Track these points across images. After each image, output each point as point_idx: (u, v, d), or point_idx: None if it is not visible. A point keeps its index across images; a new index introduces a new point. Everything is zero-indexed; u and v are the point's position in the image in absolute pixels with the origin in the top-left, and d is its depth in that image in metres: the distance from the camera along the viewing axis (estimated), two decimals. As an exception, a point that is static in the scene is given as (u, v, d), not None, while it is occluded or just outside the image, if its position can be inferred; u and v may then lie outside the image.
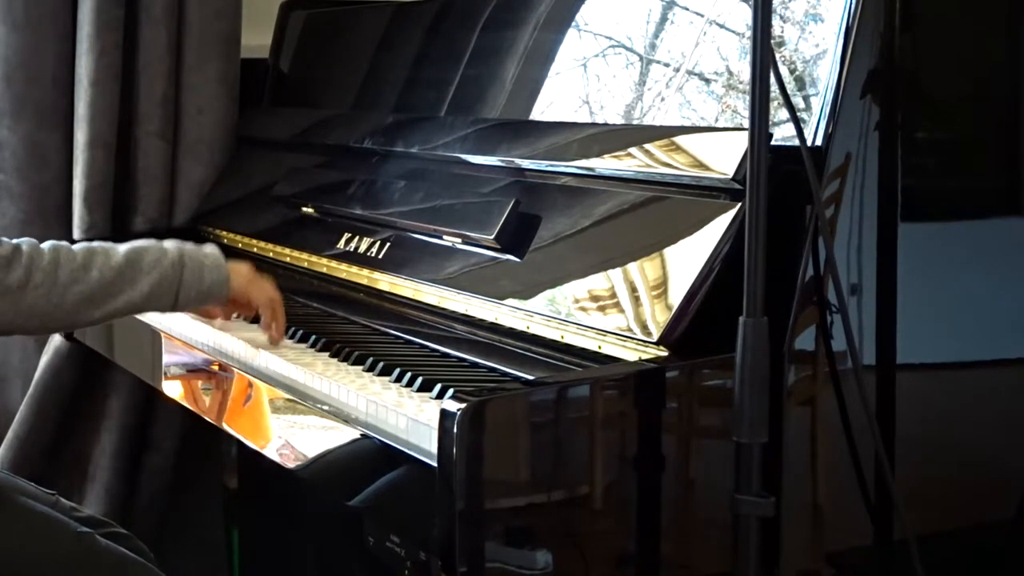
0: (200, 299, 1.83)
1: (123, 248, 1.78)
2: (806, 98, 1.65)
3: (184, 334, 2.10)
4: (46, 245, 1.74)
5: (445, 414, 1.41)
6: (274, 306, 1.90)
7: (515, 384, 1.55)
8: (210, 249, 1.85)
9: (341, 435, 1.67)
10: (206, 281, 1.81)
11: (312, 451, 1.75)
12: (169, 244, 1.82)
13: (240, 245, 2.51)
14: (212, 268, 1.82)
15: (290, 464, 1.79)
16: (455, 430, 1.39)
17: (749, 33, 1.45)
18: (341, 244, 2.17)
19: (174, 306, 1.81)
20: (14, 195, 2.63)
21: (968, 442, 1.78)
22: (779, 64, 1.51)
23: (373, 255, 2.09)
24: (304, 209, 2.36)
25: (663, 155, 1.71)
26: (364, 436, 1.61)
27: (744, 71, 1.73)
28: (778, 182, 1.51)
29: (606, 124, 1.92)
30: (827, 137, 1.60)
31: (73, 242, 2.55)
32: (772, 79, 1.44)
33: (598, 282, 1.66)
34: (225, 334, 2.00)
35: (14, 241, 1.73)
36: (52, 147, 2.64)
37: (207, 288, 1.81)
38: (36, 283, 1.70)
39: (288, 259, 2.34)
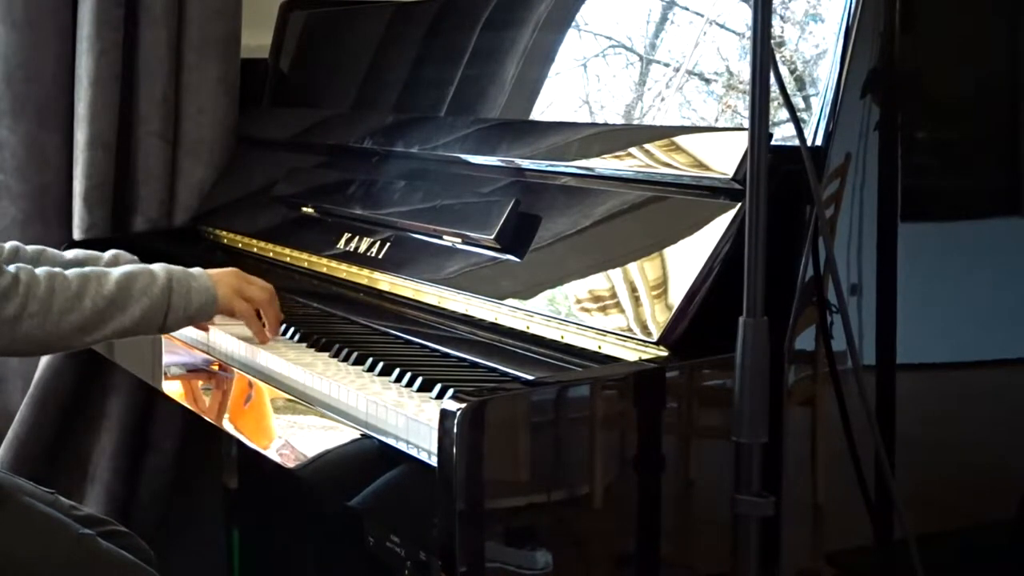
0: (187, 321, 1.87)
1: (115, 274, 1.81)
2: (806, 98, 1.65)
3: (184, 334, 2.10)
4: (41, 272, 1.76)
5: (445, 414, 1.41)
6: (262, 308, 1.92)
7: (515, 384, 1.55)
8: (198, 271, 1.89)
9: (341, 435, 1.67)
10: (194, 304, 1.85)
11: (312, 451, 1.75)
12: (158, 268, 1.85)
13: (240, 245, 2.51)
14: (199, 290, 1.86)
15: (290, 464, 1.79)
16: (455, 430, 1.39)
17: (749, 33, 1.45)
18: (341, 244, 2.17)
19: (162, 328, 1.86)
20: (14, 195, 2.63)
21: (968, 442, 1.77)
22: (779, 64, 1.51)
23: (373, 255, 2.09)
24: (304, 209, 2.36)
25: (663, 155, 1.70)
26: (364, 436, 1.61)
27: (744, 71, 1.73)
28: (778, 182, 1.51)
29: (606, 124, 1.92)
30: (827, 137, 1.59)
31: (74, 243, 2.56)
32: (772, 79, 1.44)
33: (598, 282, 1.66)
34: (225, 334, 2.00)
35: (10, 269, 1.74)
36: (52, 147, 2.64)
37: (195, 310, 1.86)
38: (31, 312, 1.73)
39: (288, 259, 2.33)
